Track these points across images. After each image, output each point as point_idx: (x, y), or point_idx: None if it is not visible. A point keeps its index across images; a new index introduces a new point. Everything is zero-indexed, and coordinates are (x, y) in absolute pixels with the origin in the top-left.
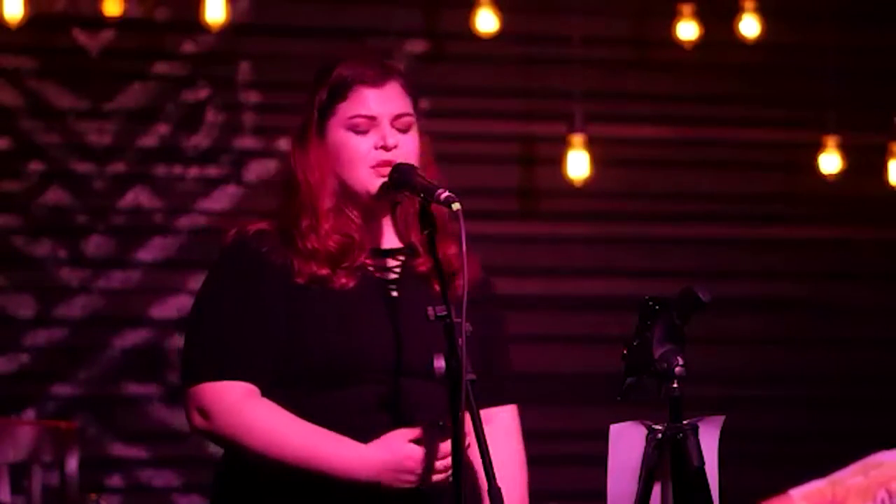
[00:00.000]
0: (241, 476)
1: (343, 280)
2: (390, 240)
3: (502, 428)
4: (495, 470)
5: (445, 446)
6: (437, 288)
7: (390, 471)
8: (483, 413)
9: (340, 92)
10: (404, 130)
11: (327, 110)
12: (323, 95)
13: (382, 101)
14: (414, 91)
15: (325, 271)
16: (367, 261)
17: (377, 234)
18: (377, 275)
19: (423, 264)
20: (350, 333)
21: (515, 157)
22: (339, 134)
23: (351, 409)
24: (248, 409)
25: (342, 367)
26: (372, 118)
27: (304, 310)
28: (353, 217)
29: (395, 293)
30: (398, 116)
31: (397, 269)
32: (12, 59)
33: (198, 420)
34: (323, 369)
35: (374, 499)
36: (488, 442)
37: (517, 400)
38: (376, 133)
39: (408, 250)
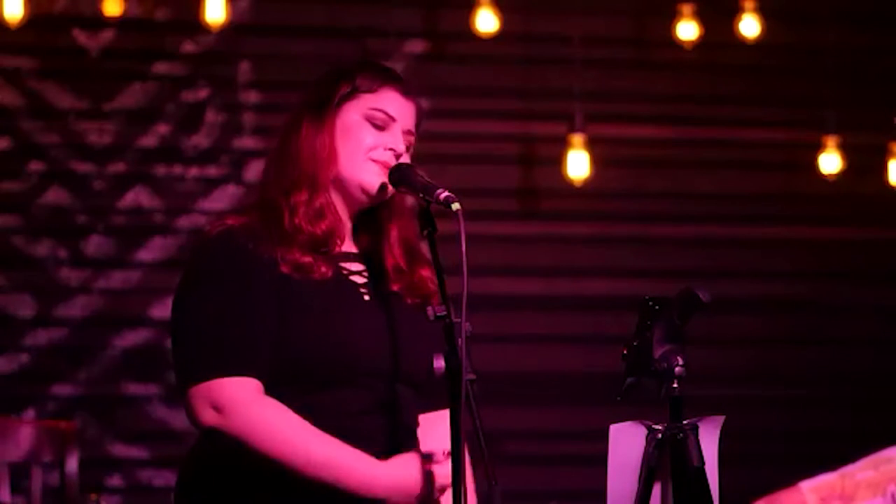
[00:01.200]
0: (211, 472)
1: (323, 269)
2: (354, 244)
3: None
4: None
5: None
6: (411, 301)
7: (402, 492)
8: (435, 414)
9: (370, 85)
10: (406, 148)
11: (349, 95)
12: (347, 87)
13: (405, 110)
14: (420, 124)
15: (307, 258)
16: (342, 263)
17: (351, 236)
18: (350, 277)
19: (394, 283)
20: (334, 331)
21: (515, 157)
22: (352, 118)
23: (340, 412)
24: (263, 409)
25: (328, 364)
26: (392, 119)
27: (292, 302)
28: (336, 208)
29: (366, 297)
30: (409, 132)
31: (364, 274)
32: (12, 59)
33: (210, 416)
34: (308, 365)
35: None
36: (438, 443)
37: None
38: (389, 135)
39: (372, 260)
